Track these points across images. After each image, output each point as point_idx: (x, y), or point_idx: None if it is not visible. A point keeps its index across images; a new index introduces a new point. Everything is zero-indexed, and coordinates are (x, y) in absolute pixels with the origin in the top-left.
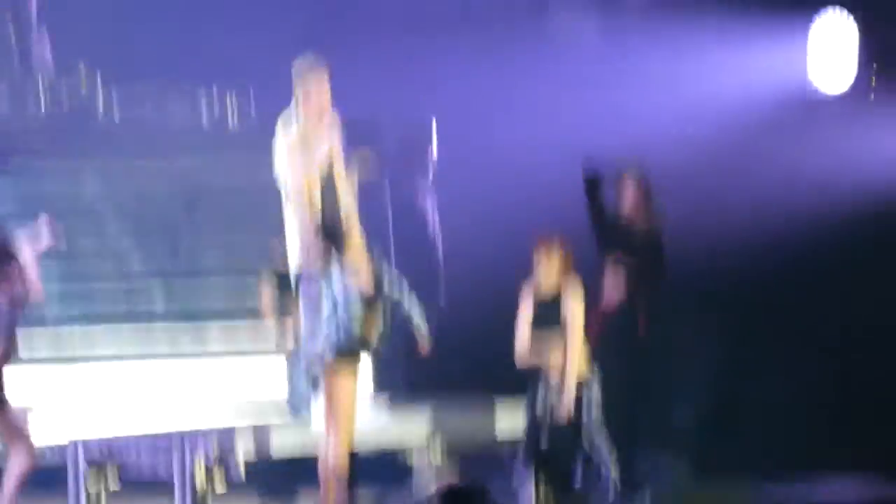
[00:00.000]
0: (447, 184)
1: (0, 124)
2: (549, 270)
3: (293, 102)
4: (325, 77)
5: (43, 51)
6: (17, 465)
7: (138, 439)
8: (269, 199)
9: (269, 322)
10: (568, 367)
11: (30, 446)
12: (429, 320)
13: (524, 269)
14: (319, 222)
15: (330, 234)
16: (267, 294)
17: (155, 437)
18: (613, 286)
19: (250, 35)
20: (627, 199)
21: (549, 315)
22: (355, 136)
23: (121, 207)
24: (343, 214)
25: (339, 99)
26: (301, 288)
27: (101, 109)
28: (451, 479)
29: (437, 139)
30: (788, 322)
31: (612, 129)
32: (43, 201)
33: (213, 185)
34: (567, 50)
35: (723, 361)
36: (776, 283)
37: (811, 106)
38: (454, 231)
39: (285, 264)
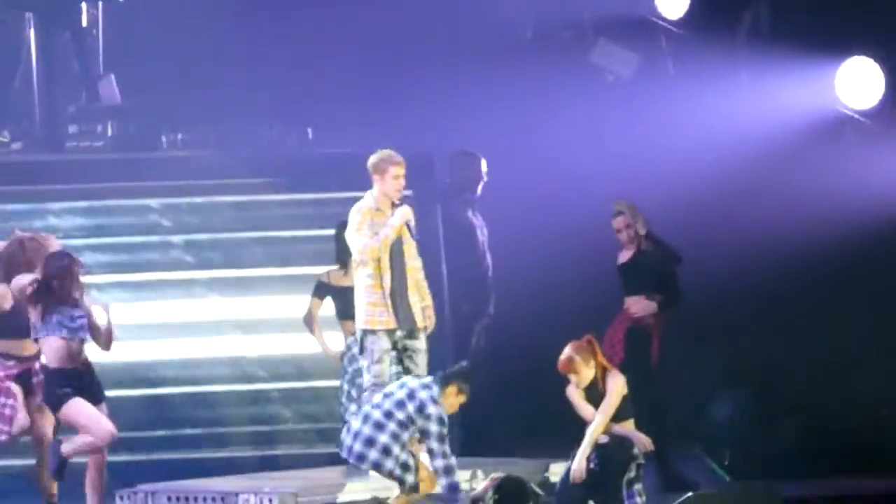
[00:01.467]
0: (492, 209)
1: (71, 153)
2: (586, 376)
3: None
4: (402, 169)
5: (110, 88)
6: (87, 441)
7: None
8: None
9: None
10: (591, 429)
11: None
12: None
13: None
14: (389, 284)
15: (396, 293)
16: (315, 306)
17: None
18: (628, 315)
19: (307, 76)
20: (622, 234)
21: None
22: (413, 168)
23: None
24: (410, 278)
25: (394, 131)
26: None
27: (164, 145)
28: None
29: (486, 167)
30: (813, 327)
31: (652, 157)
32: (111, 229)
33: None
34: (608, 85)
35: (745, 371)
36: (809, 293)
37: (840, 128)
38: (500, 251)
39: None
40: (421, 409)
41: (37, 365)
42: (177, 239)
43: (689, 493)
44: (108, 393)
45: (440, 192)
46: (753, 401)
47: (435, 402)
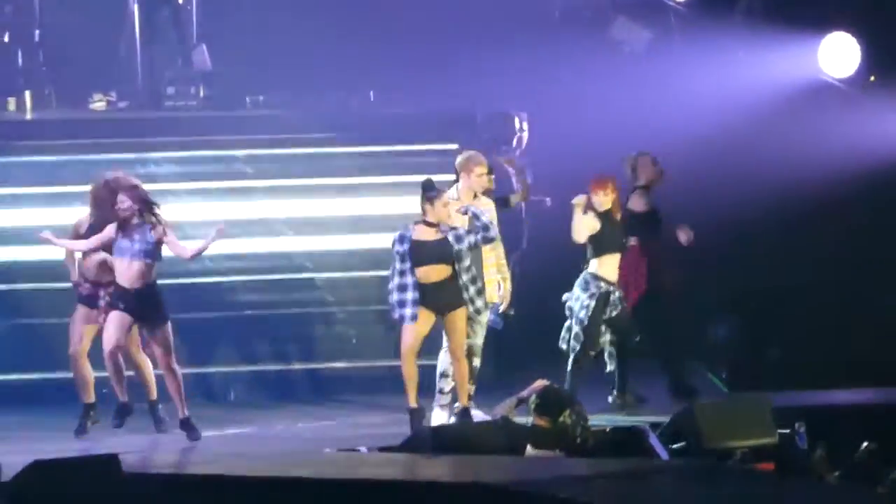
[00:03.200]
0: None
1: (168, 111)
2: (607, 202)
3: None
4: (482, 167)
5: (202, 56)
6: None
7: None
8: None
9: None
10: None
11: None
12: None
13: None
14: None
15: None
16: None
17: None
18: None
19: (370, 46)
20: (644, 175)
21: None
22: (459, 123)
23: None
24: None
25: (443, 93)
26: None
27: (248, 105)
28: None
29: (520, 124)
30: (798, 260)
31: (659, 117)
32: (202, 176)
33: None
34: (624, 57)
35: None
36: (793, 230)
37: (822, 94)
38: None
39: None
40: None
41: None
42: (258, 184)
43: (691, 403)
44: None
45: (482, 145)
46: (747, 323)
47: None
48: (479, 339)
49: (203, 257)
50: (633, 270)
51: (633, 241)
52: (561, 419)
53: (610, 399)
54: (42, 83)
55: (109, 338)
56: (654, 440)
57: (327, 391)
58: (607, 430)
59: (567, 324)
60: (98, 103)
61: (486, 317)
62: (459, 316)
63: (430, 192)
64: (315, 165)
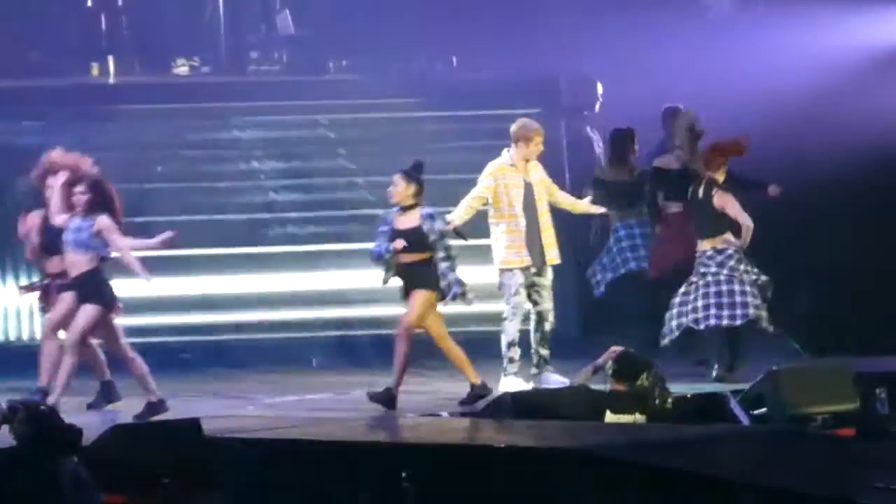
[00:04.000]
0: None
1: (252, 76)
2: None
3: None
4: (541, 136)
5: (285, 21)
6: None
7: None
8: None
9: None
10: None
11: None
12: None
13: None
14: (523, 228)
15: (529, 235)
16: None
17: None
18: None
19: (453, 12)
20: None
21: None
22: (541, 89)
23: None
24: (543, 221)
25: (525, 59)
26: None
27: (331, 69)
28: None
29: (603, 91)
30: (881, 227)
31: (743, 82)
32: (285, 140)
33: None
34: (709, 19)
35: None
36: (872, 194)
37: None
38: None
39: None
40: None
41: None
42: (341, 149)
43: (773, 368)
44: None
45: (564, 111)
46: (828, 290)
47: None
48: (548, 304)
49: (286, 221)
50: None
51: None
52: (639, 382)
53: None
54: (125, 48)
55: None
56: (735, 406)
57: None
58: (689, 395)
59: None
60: (181, 68)
61: (548, 280)
62: (417, 297)
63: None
64: (397, 130)
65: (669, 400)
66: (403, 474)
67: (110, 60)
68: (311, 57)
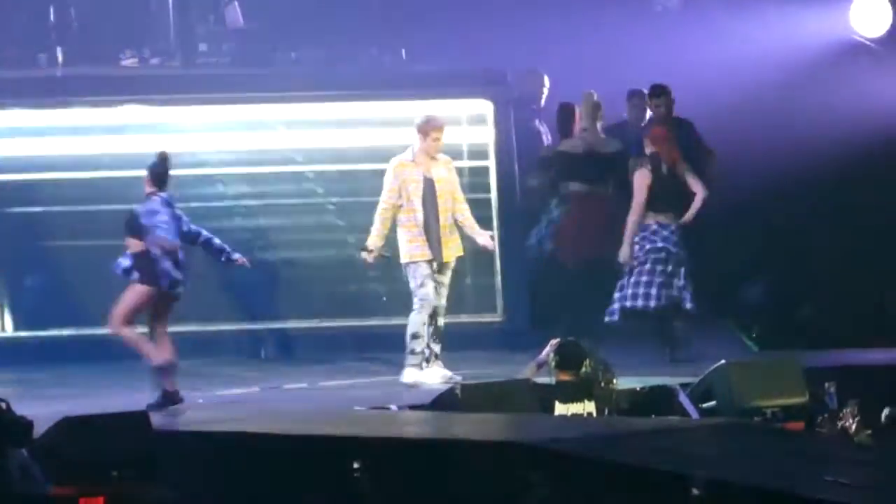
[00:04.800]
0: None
1: (199, 68)
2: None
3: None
4: (439, 132)
5: (234, 13)
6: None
7: None
8: None
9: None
10: None
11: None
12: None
13: None
14: (421, 221)
15: (428, 229)
16: None
17: None
18: None
19: (402, 3)
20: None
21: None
22: (490, 80)
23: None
24: (443, 218)
25: (474, 51)
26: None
27: (279, 62)
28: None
29: (548, 83)
30: (830, 219)
31: (690, 76)
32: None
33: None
34: (657, 14)
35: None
36: (828, 192)
37: (854, 53)
38: None
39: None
40: None
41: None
42: (289, 139)
43: (722, 362)
44: None
45: (512, 102)
46: (779, 284)
47: None
48: (442, 300)
49: (235, 212)
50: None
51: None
52: (583, 370)
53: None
54: (73, 39)
55: None
56: (684, 399)
57: (358, 349)
58: (638, 388)
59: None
60: (130, 60)
61: (447, 278)
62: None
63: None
64: (346, 122)
65: (615, 381)
66: (355, 466)
67: (58, 52)
68: (259, 49)
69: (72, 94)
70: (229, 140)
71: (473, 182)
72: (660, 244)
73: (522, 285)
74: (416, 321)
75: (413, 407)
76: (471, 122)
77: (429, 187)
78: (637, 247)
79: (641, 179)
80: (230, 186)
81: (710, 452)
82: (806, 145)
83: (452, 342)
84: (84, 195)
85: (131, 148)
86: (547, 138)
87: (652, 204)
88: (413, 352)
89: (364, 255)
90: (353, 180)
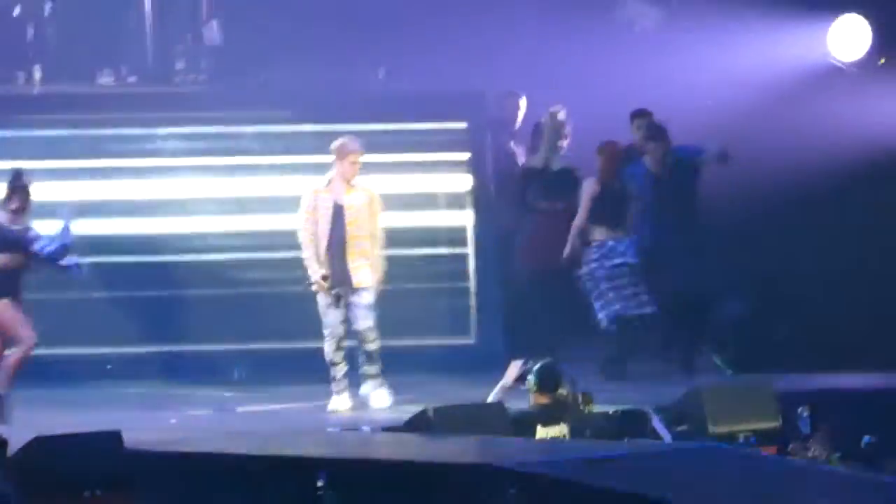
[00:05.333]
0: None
1: (177, 86)
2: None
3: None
4: (355, 156)
5: (212, 31)
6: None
7: None
8: None
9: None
10: None
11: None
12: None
13: None
14: (324, 250)
15: (333, 257)
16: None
17: None
18: None
19: (381, 24)
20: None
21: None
22: (468, 102)
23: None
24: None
25: (452, 73)
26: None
27: (258, 81)
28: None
29: (526, 105)
30: (807, 242)
31: (667, 97)
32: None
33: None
34: (631, 33)
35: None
36: (803, 213)
37: (830, 75)
38: None
39: None
40: None
41: None
42: (265, 161)
43: (696, 384)
44: None
45: (490, 125)
46: (754, 303)
47: None
48: (364, 322)
49: (208, 234)
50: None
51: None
52: (559, 391)
53: None
54: (52, 57)
55: None
56: (657, 423)
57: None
58: (611, 412)
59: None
60: (107, 78)
61: (367, 299)
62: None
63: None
64: (324, 142)
65: (591, 404)
66: (319, 484)
67: (36, 70)
68: (237, 68)
69: (49, 111)
70: (203, 159)
71: (449, 202)
72: (617, 260)
73: (496, 307)
74: (326, 350)
75: (386, 429)
76: (449, 147)
77: (338, 214)
78: (596, 264)
79: (588, 189)
80: (204, 207)
81: (684, 477)
82: (783, 168)
83: (425, 365)
84: None
85: None
86: (521, 160)
87: (604, 219)
88: (334, 378)
89: (315, 288)
90: None
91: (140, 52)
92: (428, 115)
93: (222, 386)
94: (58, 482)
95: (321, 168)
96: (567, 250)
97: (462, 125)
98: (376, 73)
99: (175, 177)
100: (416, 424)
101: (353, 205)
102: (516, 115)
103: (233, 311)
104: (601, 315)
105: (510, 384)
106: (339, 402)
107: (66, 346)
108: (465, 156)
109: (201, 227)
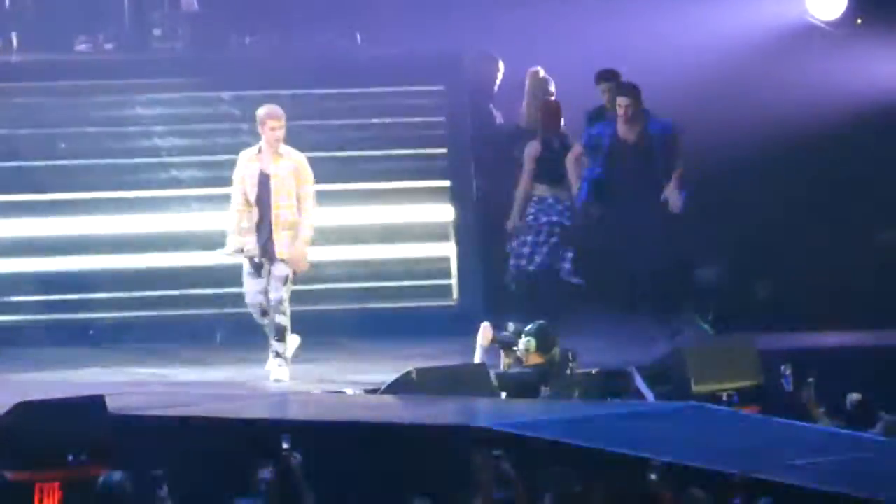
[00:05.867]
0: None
1: (154, 52)
2: None
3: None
4: (276, 121)
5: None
6: None
7: None
8: None
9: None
10: None
11: None
12: None
13: None
14: (255, 219)
15: (260, 226)
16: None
17: None
18: None
19: None
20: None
21: None
22: (444, 65)
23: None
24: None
25: (429, 35)
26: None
27: (234, 46)
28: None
29: (503, 67)
30: (784, 200)
31: (642, 58)
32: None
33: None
34: None
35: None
36: (783, 174)
37: (808, 34)
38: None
39: None
40: None
41: None
42: (244, 125)
43: (678, 344)
44: None
45: (467, 88)
46: (734, 263)
47: None
48: (276, 294)
49: (188, 197)
50: None
51: None
52: (553, 351)
53: None
54: (29, 25)
55: None
56: (640, 382)
57: (314, 333)
58: (594, 371)
59: None
60: (84, 45)
61: (282, 270)
62: None
63: None
64: (300, 107)
65: (574, 364)
66: (284, 446)
67: (13, 37)
68: (214, 34)
69: (27, 79)
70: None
71: (428, 166)
72: (555, 217)
73: (476, 269)
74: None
75: (368, 391)
76: (427, 112)
77: (263, 183)
78: (532, 217)
79: (530, 151)
80: (184, 172)
81: (667, 436)
82: (762, 127)
83: (406, 327)
84: None
85: None
86: (500, 121)
87: (545, 177)
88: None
89: (227, 256)
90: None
91: (117, 20)
92: (405, 80)
93: (204, 350)
94: (42, 447)
95: (300, 132)
96: (512, 217)
97: (439, 87)
98: (353, 37)
99: (153, 143)
100: (400, 386)
101: (279, 174)
102: (495, 79)
103: (213, 276)
104: (511, 263)
105: (486, 344)
106: (277, 369)
107: (51, 312)
108: (440, 119)
109: (181, 191)
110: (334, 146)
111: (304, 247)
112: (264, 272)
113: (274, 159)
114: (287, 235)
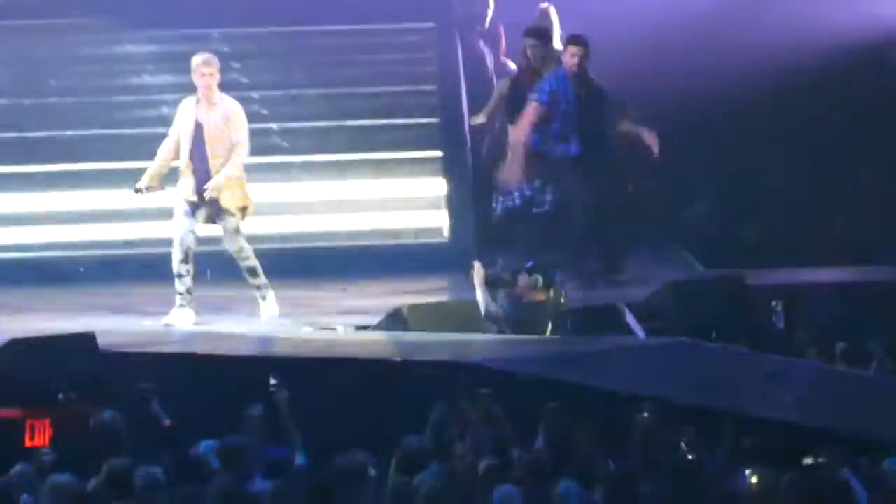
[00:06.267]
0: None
1: None
2: None
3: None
4: (209, 69)
5: None
6: None
7: None
8: None
9: None
10: None
11: None
12: None
13: None
14: (185, 163)
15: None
16: None
17: None
18: None
19: None
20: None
21: None
22: (433, 3)
23: None
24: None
25: None
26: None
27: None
28: None
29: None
30: (771, 139)
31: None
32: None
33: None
34: None
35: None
36: (767, 110)
37: None
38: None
39: None
40: None
41: None
42: (234, 63)
43: (669, 280)
44: None
45: (457, 25)
46: (724, 201)
47: None
48: (233, 244)
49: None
50: None
51: None
52: (552, 289)
53: None
54: None
55: None
56: (630, 318)
57: (306, 271)
58: (583, 307)
59: None
60: None
61: (231, 224)
62: None
63: None
64: (290, 44)
65: (563, 300)
66: (273, 382)
67: None
68: None
69: (21, 17)
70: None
71: (417, 103)
72: None
73: (467, 206)
74: (173, 259)
75: (360, 327)
76: (414, 49)
77: (198, 132)
78: None
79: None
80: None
81: (658, 372)
82: (750, 65)
83: (399, 264)
84: None
85: None
86: (490, 61)
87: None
88: (179, 293)
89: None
90: (295, 103)
91: None
92: (393, 17)
93: (194, 286)
94: (31, 384)
95: (288, 69)
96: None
97: (429, 25)
98: None
99: (142, 80)
100: (391, 323)
101: (211, 122)
102: (486, 13)
103: None
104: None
105: (481, 282)
106: (179, 316)
107: (37, 250)
108: (429, 55)
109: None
110: (323, 84)
111: (223, 179)
112: (197, 216)
113: (208, 108)
114: (229, 186)
